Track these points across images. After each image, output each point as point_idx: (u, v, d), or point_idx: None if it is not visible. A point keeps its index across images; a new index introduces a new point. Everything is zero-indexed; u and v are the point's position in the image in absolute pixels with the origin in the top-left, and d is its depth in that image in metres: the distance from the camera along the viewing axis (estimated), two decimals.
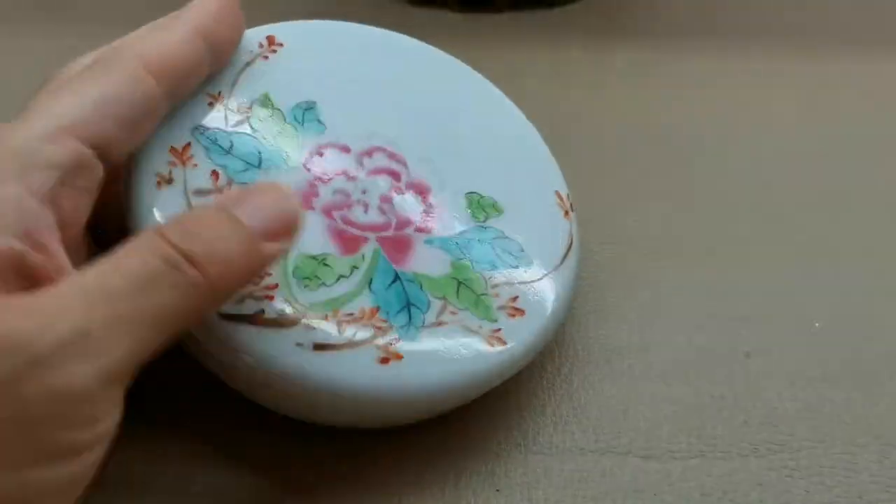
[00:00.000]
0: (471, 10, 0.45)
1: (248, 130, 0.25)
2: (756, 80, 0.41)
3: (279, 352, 0.23)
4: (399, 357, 0.23)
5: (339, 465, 0.25)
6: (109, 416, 0.18)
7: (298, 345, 0.23)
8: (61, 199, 0.20)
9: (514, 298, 0.25)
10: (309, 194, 0.25)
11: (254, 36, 0.27)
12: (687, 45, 0.43)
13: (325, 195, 0.25)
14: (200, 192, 0.24)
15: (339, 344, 0.23)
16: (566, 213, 0.28)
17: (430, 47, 0.29)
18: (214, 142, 0.25)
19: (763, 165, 0.36)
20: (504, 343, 0.24)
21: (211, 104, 0.25)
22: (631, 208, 0.34)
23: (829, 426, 0.26)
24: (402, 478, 0.25)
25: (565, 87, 0.40)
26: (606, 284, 0.31)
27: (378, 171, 0.26)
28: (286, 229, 0.21)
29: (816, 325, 0.29)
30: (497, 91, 0.30)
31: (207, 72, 0.24)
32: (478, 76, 0.30)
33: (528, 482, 0.25)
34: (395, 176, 0.26)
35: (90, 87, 0.21)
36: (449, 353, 0.24)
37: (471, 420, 0.26)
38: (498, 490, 0.25)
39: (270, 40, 0.27)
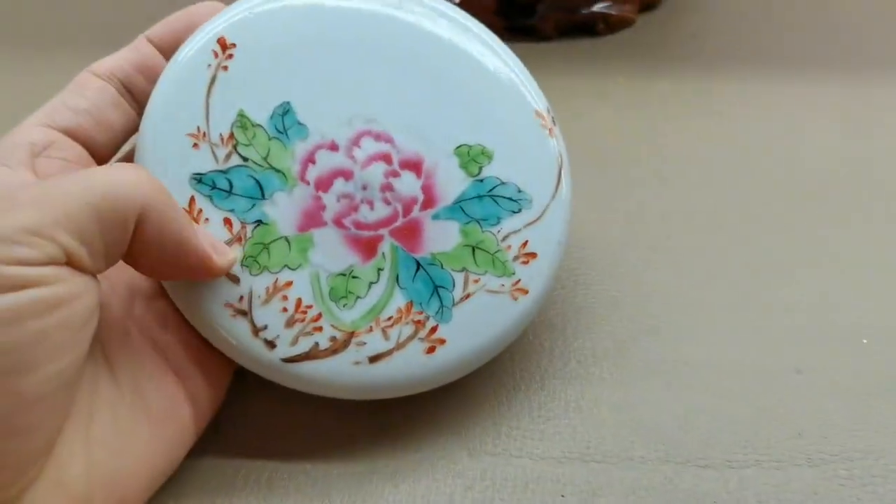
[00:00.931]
0: (519, 39, 0.46)
1: (240, 161, 0.26)
2: (797, 105, 0.42)
3: (342, 375, 0.26)
4: (443, 342, 0.26)
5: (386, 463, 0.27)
6: (49, 264, 0.21)
7: (356, 363, 0.25)
8: (36, 166, 0.25)
9: (525, 244, 0.27)
10: (317, 209, 0.26)
11: (203, 41, 0.26)
12: (727, 73, 0.44)
13: (331, 205, 0.26)
14: None
15: (390, 350, 0.26)
16: (550, 130, 0.27)
17: (377, 7, 0.27)
18: (214, 186, 0.25)
19: (807, 186, 0.37)
20: (526, 292, 0.27)
21: (196, 145, 0.25)
22: (679, 230, 0.35)
23: (879, 438, 0.27)
24: (473, 482, 0.26)
25: (609, 112, 0.42)
26: (659, 303, 0.32)
27: (370, 159, 0.26)
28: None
29: (864, 341, 0.30)
30: (452, 21, 0.28)
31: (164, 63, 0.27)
32: (432, 16, 0.27)
33: (592, 489, 0.26)
34: (386, 159, 0.26)
35: (54, 98, 0.27)
36: (483, 322, 0.26)
37: (536, 430, 0.28)
38: (563, 496, 0.26)
39: (222, 44, 0.26)
